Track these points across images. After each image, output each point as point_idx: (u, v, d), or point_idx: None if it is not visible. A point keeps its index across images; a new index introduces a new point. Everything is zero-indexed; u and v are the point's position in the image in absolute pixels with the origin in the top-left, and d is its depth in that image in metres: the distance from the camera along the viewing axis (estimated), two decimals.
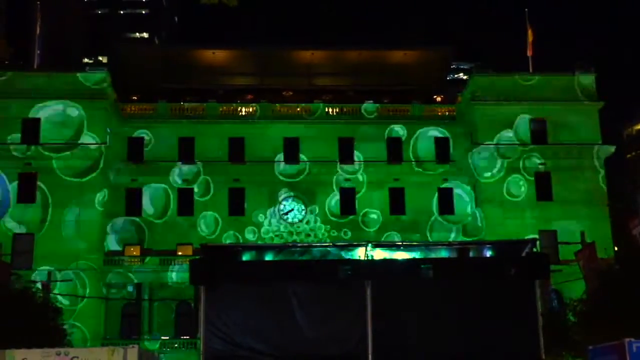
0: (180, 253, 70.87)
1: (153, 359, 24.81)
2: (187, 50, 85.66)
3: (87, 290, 65.54)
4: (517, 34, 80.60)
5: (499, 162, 71.16)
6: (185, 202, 73.08)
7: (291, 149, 74.92)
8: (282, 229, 73.24)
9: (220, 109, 76.35)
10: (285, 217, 74.01)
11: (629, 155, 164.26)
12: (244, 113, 76.64)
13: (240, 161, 74.29)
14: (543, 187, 71.09)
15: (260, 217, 73.51)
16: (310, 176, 74.29)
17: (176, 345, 67.40)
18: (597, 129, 72.74)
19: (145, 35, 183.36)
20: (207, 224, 72.57)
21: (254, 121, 75.56)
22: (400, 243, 21.58)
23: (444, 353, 18.81)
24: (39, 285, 52.22)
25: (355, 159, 74.91)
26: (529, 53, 74.08)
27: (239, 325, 19.22)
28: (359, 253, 20.42)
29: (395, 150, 75.35)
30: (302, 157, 74.74)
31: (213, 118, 75.38)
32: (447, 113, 77.31)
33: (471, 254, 21.05)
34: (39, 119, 69.45)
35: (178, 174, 73.29)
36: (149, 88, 77.87)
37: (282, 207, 74.07)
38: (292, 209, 74.22)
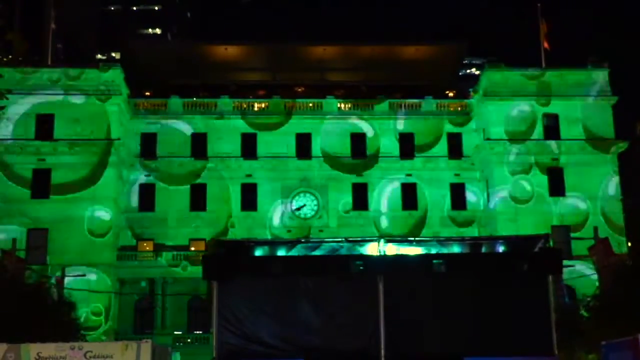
0: (193, 248, 71.16)
1: (166, 354, 24.86)
2: (199, 46, 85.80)
3: (101, 285, 65.77)
4: (529, 29, 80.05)
5: (511, 158, 70.92)
6: (198, 197, 73.28)
7: (304, 145, 74.98)
8: (294, 224, 73.31)
9: (233, 105, 76.38)
10: (297, 212, 74.08)
11: None
12: (256, 109, 76.69)
13: (252, 157, 74.39)
14: (556, 182, 70.84)
15: (273, 213, 73.60)
16: (323, 171, 74.34)
17: (189, 340, 67.65)
18: (610, 124, 72.38)
19: (158, 31, 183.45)
20: (220, 219, 72.72)
21: (267, 117, 75.61)
22: (413, 238, 21.60)
23: (456, 348, 18.83)
24: (53, 280, 52.50)
25: (367, 154, 74.89)
26: (546, 45, 73.53)
27: (251, 320, 19.31)
28: (372, 248, 20.45)
29: (407, 145, 75.27)
30: (315, 152, 74.78)
31: (226, 114, 75.50)
32: (459, 108, 77.14)
33: (483, 250, 21.05)
34: (52, 115, 69.77)
35: (191, 169, 73.51)
36: (161, 84, 78.05)
37: (294, 202, 74.14)
38: (305, 205, 74.27)
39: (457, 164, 74.92)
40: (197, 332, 68.22)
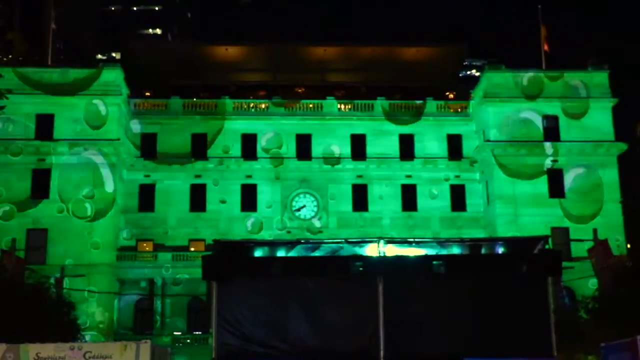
0: (192, 249, 71.11)
1: (165, 355, 24.86)
2: (199, 47, 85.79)
3: (100, 286, 65.69)
4: (529, 30, 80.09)
5: (511, 159, 70.87)
6: (198, 198, 73.25)
7: (304, 145, 74.96)
8: (294, 225, 73.27)
9: (233, 105, 76.37)
10: (297, 213, 74.06)
11: None
12: (256, 109, 76.68)
13: (252, 157, 74.37)
14: (555, 184, 70.82)
15: (273, 214, 73.54)
16: (323, 172, 74.32)
17: (188, 340, 67.62)
18: (610, 125, 72.36)
19: (158, 31, 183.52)
20: (219, 219, 72.69)
21: (267, 117, 75.59)
22: (412, 239, 21.53)
23: (456, 349, 18.81)
24: (52, 280, 52.44)
25: (368, 155, 74.87)
26: (545, 48, 73.55)
27: (250, 321, 19.30)
28: (371, 249, 20.43)
29: (407, 146, 75.27)
30: (315, 153, 74.75)
31: (226, 114, 75.48)
32: (459, 110, 77.16)
33: (483, 251, 21.03)
34: (52, 115, 69.74)
35: (190, 169, 73.47)
36: (161, 84, 78.04)
37: (294, 203, 74.12)
38: (304, 205, 74.24)
39: (457, 165, 74.92)
40: (197, 332, 68.19)
